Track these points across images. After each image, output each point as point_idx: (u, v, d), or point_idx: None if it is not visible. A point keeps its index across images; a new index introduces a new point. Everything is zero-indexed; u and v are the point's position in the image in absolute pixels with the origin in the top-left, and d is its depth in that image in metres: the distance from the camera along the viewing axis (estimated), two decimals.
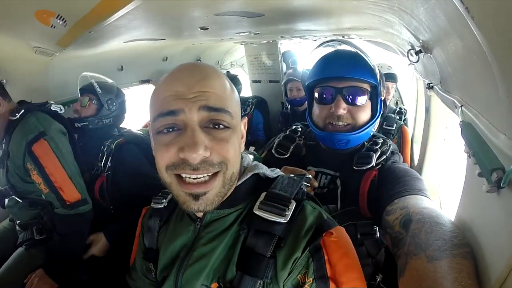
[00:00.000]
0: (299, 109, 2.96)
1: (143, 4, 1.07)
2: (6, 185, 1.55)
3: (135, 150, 1.78)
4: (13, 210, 1.61)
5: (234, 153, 0.67)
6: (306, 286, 0.64)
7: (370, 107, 1.13)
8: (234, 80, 3.15)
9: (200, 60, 3.50)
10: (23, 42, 1.43)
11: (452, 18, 0.64)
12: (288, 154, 1.24)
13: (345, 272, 0.65)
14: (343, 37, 2.53)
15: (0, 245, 1.63)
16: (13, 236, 1.64)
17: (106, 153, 1.74)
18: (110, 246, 1.68)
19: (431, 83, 1.34)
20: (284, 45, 3.42)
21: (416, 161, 2.11)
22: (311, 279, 0.64)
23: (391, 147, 1.16)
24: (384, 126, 2.32)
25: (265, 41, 3.16)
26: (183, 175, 0.64)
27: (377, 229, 1.03)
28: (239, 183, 0.74)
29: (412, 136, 2.45)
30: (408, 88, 3.18)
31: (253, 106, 3.19)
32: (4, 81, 1.61)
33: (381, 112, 1.16)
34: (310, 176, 0.97)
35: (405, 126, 2.36)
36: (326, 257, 0.64)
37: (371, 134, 1.18)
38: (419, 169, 1.91)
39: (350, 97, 1.10)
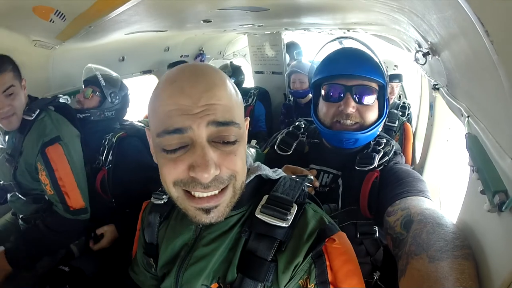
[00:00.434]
0: (301, 101, 2.93)
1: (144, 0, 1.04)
2: (11, 181, 1.56)
3: (136, 144, 1.78)
4: (16, 205, 1.62)
5: (242, 163, 0.66)
6: None
7: (377, 106, 1.12)
8: (237, 71, 3.11)
9: (203, 51, 3.45)
10: (22, 35, 1.42)
11: (467, 32, 0.62)
12: (291, 151, 1.23)
13: (346, 278, 0.65)
14: (348, 31, 2.48)
15: (2, 239, 1.64)
16: (15, 230, 1.66)
17: (107, 147, 1.73)
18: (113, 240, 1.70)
19: (437, 84, 1.31)
20: (288, 35, 3.36)
21: (417, 159, 2.10)
22: (312, 284, 0.64)
23: (393, 147, 1.15)
24: (386, 123, 2.30)
25: (269, 32, 3.10)
26: (193, 192, 0.62)
27: (377, 229, 1.03)
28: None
29: (415, 133, 2.43)
30: (412, 82, 3.13)
31: (255, 97, 3.15)
32: None
33: (387, 111, 1.15)
34: (312, 177, 0.97)
35: (408, 123, 2.33)
36: (327, 263, 0.65)
37: (378, 132, 1.17)
38: (421, 169, 1.90)
39: (359, 95, 1.08)
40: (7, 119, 1.44)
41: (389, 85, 1.29)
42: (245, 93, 3.20)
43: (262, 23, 2.20)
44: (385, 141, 1.16)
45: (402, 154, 1.20)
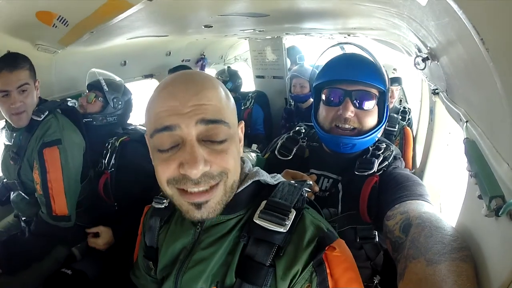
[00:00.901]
0: (302, 106, 2.94)
1: (146, 6, 1.05)
2: (15, 180, 1.57)
3: (139, 148, 1.78)
4: (19, 205, 1.63)
5: (234, 162, 0.67)
6: None
7: (377, 112, 1.13)
8: (234, 75, 3.13)
9: (204, 55, 3.47)
10: (25, 39, 1.43)
11: (464, 40, 0.62)
12: (291, 156, 1.24)
13: (347, 286, 0.65)
14: (348, 35, 2.49)
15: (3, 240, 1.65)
16: (17, 232, 1.66)
17: (110, 150, 1.74)
18: (115, 243, 1.70)
19: (436, 88, 1.32)
20: (289, 40, 3.38)
21: (418, 164, 2.10)
22: None
23: (393, 152, 1.15)
24: (386, 127, 2.30)
25: (270, 37, 3.12)
26: (185, 188, 0.64)
27: (376, 233, 1.04)
28: (240, 190, 0.74)
29: (415, 137, 2.43)
30: (413, 87, 3.13)
31: (253, 100, 3.18)
32: None
33: (387, 117, 1.16)
34: (311, 182, 0.98)
35: (408, 128, 2.33)
36: (328, 271, 0.65)
37: (377, 138, 1.17)
38: (421, 173, 1.90)
39: (359, 101, 1.09)
40: (18, 116, 1.47)
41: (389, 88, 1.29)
42: (243, 96, 3.23)
43: (263, 28, 2.22)
44: (385, 146, 1.16)
45: (401, 158, 1.20)
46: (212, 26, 1.80)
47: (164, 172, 0.64)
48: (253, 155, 1.33)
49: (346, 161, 1.15)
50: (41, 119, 1.50)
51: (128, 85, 2.04)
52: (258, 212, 0.71)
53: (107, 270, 1.66)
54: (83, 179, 1.66)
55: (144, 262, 0.89)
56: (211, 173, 0.63)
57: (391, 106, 2.60)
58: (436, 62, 1.07)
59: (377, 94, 1.11)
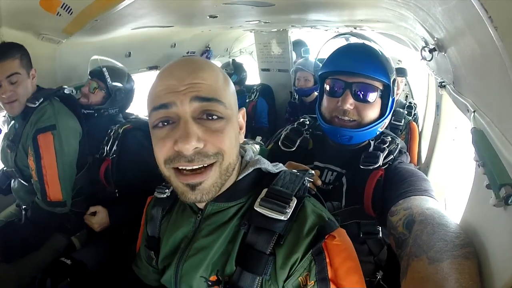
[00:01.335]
0: (306, 100, 2.92)
1: None
2: (12, 168, 1.58)
3: (141, 137, 1.77)
4: (19, 194, 1.64)
5: (230, 143, 0.66)
6: None
7: (379, 105, 1.11)
8: (239, 68, 3.12)
9: (209, 47, 3.46)
10: (30, 29, 1.44)
11: (472, 23, 0.61)
12: (295, 148, 1.23)
13: (346, 275, 0.65)
14: (355, 28, 2.47)
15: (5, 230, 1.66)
16: (14, 219, 1.67)
17: (112, 137, 1.73)
18: (116, 233, 1.70)
19: (443, 81, 1.30)
20: (294, 33, 3.35)
21: (423, 159, 2.08)
22: (312, 281, 0.64)
23: (399, 146, 1.14)
24: (392, 121, 2.28)
25: (275, 30, 3.10)
26: (180, 167, 0.64)
27: (380, 228, 1.03)
28: (241, 177, 0.74)
29: (421, 132, 2.41)
30: (419, 82, 3.10)
31: (258, 93, 3.17)
32: None
33: (391, 111, 1.14)
34: (313, 172, 0.97)
35: (414, 122, 2.31)
36: (327, 260, 0.65)
37: (379, 132, 1.16)
38: (426, 168, 1.88)
39: (359, 93, 1.08)
40: (9, 104, 1.47)
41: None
42: (248, 89, 3.22)
43: (268, 19, 2.20)
44: (390, 139, 1.15)
45: (407, 152, 1.19)
46: (217, 16, 1.79)
47: (161, 151, 0.64)
48: (257, 146, 1.32)
49: (351, 154, 1.14)
50: (35, 106, 1.50)
51: (133, 77, 2.02)
52: (258, 200, 0.70)
53: (106, 260, 1.66)
54: (81, 167, 1.66)
55: (145, 252, 0.89)
56: (205, 151, 0.63)
57: (396, 98, 2.57)
58: (443, 53, 1.06)
59: (381, 87, 1.09)
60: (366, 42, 1.16)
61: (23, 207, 1.60)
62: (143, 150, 1.73)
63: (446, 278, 0.60)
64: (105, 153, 1.74)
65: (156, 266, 0.87)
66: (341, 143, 1.13)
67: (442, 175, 1.81)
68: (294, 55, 3.38)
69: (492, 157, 0.60)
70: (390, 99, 1.12)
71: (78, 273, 1.49)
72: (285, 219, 0.67)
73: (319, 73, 1.18)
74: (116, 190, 1.76)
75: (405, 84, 3.19)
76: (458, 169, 1.79)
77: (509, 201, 0.50)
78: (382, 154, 1.08)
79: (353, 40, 1.25)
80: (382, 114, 1.12)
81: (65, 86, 1.67)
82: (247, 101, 3.14)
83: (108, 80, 1.79)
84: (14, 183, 1.66)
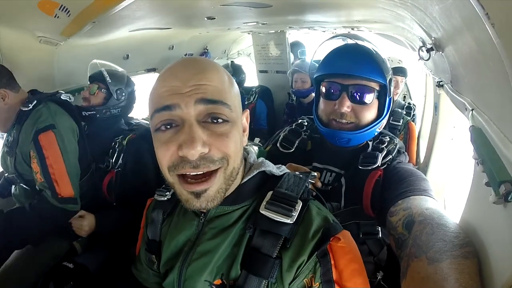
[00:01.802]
0: (304, 101, 2.93)
1: None
2: (13, 173, 1.56)
3: (146, 147, 1.77)
4: (20, 199, 1.62)
5: (235, 148, 0.65)
6: None
7: (376, 106, 1.11)
8: (238, 70, 3.12)
9: (207, 49, 3.47)
10: (28, 31, 1.43)
11: (469, 21, 0.61)
12: (293, 149, 1.23)
13: (351, 277, 0.65)
14: (352, 29, 2.47)
15: None
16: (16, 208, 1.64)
17: (117, 150, 1.73)
18: (119, 237, 1.69)
19: (441, 81, 1.31)
20: (292, 35, 3.36)
21: (422, 159, 2.09)
22: (317, 283, 0.64)
23: (397, 146, 1.14)
24: (390, 121, 2.29)
25: (273, 31, 3.10)
26: (185, 173, 0.63)
27: (380, 229, 1.03)
28: (245, 180, 0.73)
29: (419, 132, 2.41)
30: (417, 83, 3.11)
31: (257, 95, 3.16)
32: None
33: (389, 111, 1.14)
34: (315, 173, 0.97)
35: (412, 122, 2.32)
36: (332, 262, 0.64)
37: (377, 132, 1.16)
38: (425, 167, 1.89)
39: (356, 95, 1.07)
40: None
41: (394, 79, 1.27)
42: (246, 91, 3.22)
43: (266, 20, 2.20)
44: (388, 139, 1.15)
45: (405, 152, 1.19)
46: (214, 18, 1.79)
47: (164, 156, 0.62)
48: (255, 148, 1.32)
49: (349, 155, 1.14)
50: (29, 109, 1.48)
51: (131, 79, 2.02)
52: (264, 203, 0.70)
53: (108, 263, 1.65)
54: (84, 172, 1.65)
55: (146, 256, 0.88)
56: (211, 156, 0.61)
57: (395, 97, 2.58)
58: (440, 52, 1.06)
59: (377, 87, 1.09)
60: (361, 43, 1.16)
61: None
62: (148, 159, 1.72)
63: (445, 278, 0.60)
64: (110, 166, 1.73)
65: (157, 270, 0.85)
66: (340, 145, 1.13)
67: (441, 174, 1.81)
68: (292, 56, 3.39)
69: (491, 155, 0.60)
70: (387, 99, 1.12)
71: (80, 277, 1.48)
72: (291, 222, 0.67)
73: (314, 76, 1.18)
74: (115, 204, 1.76)
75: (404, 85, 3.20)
76: (457, 168, 1.79)
77: (508, 198, 0.50)
78: (380, 154, 1.08)
79: (349, 41, 1.26)
80: (379, 115, 1.12)
81: (62, 91, 1.66)
82: (246, 103, 3.14)
83: (108, 79, 1.78)
84: (15, 189, 1.64)
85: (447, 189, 1.79)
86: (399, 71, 2.50)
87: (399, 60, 2.53)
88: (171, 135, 0.61)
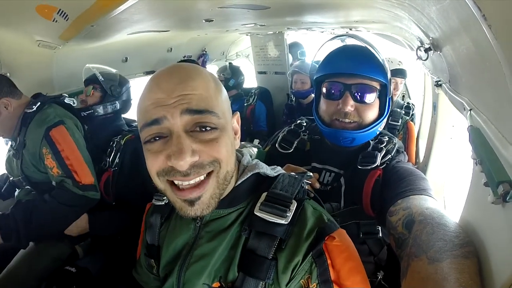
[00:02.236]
0: (303, 102, 2.93)
1: None
2: (19, 176, 1.57)
3: (142, 152, 1.76)
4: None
5: (226, 152, 0.65)
6: None
7: (378, 105, 1.11)
8: (236, 71, 3.13)
9: (206, 51, 3.47)
10: (26, 35, 1.43)
11: (466, 22, 0.61)
12: (292, 149, 1.23)
13: (349, 276, 0.65)
14: (350, 29, 2.48)
15: None
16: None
17: (115, 149, 1.74)
18: (117, 239, 1.69)
19: (439, 80, 1.31)
20: (291, 36, 3.37)
21: (421, 158, 2.09)
22: (315, 283, 0.64)
23: (396, 145, 1.14)
24: (389, 121, 2.29)
25: (271, 32, 3.11)
26: (176, 182, 0.63)
27: (380, 228, 1.03)
28: (239, 182, 0.73)
29: (418, 132, 2.41)
30: (416, 82, 3.11)
31: (256, 97, 3.17)
32: (8, 74, 1.62)
33: (389, 110, 1.14)
34: (311, 173, 0.97)
35: (411, 122, 2.32)
36: (329, 261, 0.64)
37: (378, 132, 1.16)
38: (424, 167, 1.89)
39: (359, 94, 1.07)
40: None
41: (393, 80, 1.27)
42: (246, 93, 3.23)
43: (264, 22, 2.21)
44: (387, 139, 1.15)
45: (404, 152, 1.19)
46: (213, 20, 1.80)
47: (153, 165, 0.63)
48: (255, 149, 1.32)
49: (349, 155, 1.14)
50: (33, 111, 1.50)
51: (130, 82, 2.04)
52: (258, 204, 0.70)
53: (110, 267, 1.65)
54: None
55: (146, 260, 0.88)
56: (201, 163, 0.61)
57: (394, 98, 2.58)
58: (438, 52, 1.06)
59: (378, 87, 1.09)
60: (361, 43, 1.16)
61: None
62: (142, 168, 1.72)
63: (446, 278, 0.60)
64: (107, 165, 1.74)
65: (157, 274, 0.86)
66: (344, 145, 1.12)
67: (440, 173, 1.81)
68: (290, 57, 3.39)
69: (489, 155, 0.60)
70: (388, 98, 1.12)
71: (83, 280, 1.48)
72: (286, 223, 0.67)
73: (315, 77, 1.18)
74: (114, 203, 1.75)
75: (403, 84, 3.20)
76: (456, 167, 1.79)
77: (507, 198, 0.50)
78: (379, 153, 1.08)
79: (349, 41, 1.26)
80: (380, 114, 1.12)
81: (65, 95, 1.68)
82: (245, 104, 3.15)
83: (100, 77, 1.83)
84: (18, 192, 1.65)
85: (447, 188, 1.79)
86: (399, 73, 2.50)
87: (399, 61, 2.53)
88: (160, 146, 0.62)
